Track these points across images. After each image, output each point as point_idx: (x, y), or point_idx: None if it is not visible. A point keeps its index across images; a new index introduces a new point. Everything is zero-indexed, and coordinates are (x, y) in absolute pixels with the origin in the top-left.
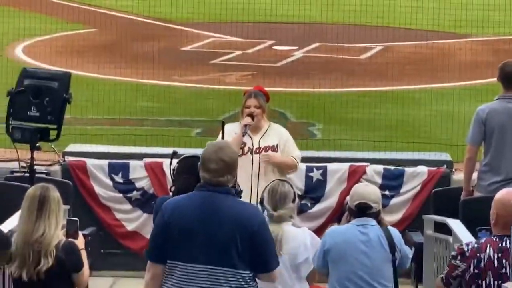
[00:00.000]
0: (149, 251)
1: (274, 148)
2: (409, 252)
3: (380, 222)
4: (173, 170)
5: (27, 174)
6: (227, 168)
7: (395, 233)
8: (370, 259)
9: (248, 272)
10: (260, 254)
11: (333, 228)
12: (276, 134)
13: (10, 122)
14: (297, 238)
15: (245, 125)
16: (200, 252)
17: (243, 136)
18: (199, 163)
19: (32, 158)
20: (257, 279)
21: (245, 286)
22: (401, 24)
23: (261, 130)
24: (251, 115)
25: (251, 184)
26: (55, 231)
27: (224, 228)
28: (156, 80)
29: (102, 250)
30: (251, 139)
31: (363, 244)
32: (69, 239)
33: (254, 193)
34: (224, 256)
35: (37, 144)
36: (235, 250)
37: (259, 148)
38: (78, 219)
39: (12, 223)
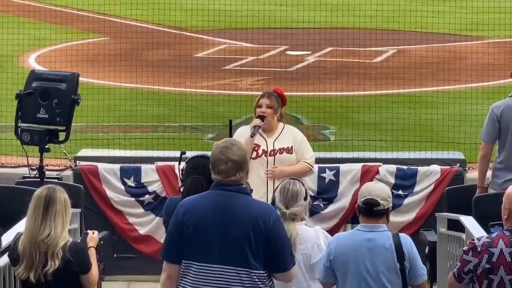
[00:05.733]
0: (164, 251)
1: (289, 150)
2: (422, 267)
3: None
4: (182, 170)
5: (39, 179)
6: (237, 167)
7: (406, 241)
8: (374, 267)
9: (262, 271)
10: (276, 253)
11: (338, 235)
12: (290, 136)
13: (19, 125)
14: (310, 238)
15: (254, 127)
16: (214, 252)
17: (252, 137)
18: (209, 165)
19: (41, 160)
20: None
21: (261, 286)
22: (414, 27)
23: (275, 132)
24: (261, 117)
25: (266, 188)
26: (62, 232)
27: (238, 227)
28: (168, 86)
29: (115, 255)
30: (266, 141)
31: (368, 251)
32: (76, 240)
33: (271, 196)
34: (238, 255)
35: (46, 146)
36: (249, 249)
37: (273, 150)
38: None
39: (22, 226)
